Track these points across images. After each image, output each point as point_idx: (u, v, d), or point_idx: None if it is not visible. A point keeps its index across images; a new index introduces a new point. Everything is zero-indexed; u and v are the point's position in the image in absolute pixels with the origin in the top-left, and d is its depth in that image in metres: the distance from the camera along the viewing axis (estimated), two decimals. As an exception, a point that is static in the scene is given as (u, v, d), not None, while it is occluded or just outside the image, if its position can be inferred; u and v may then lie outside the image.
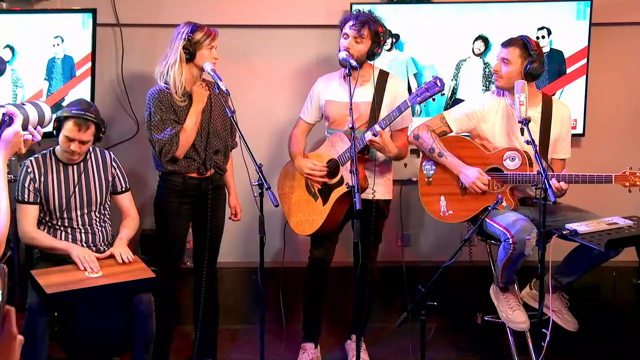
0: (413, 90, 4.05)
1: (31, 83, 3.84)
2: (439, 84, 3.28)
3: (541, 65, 3.49)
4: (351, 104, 3.25)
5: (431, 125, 3.63)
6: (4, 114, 1.73)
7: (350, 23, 3.47)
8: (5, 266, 1.36)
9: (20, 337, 1.31)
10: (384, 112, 3.51)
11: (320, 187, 3.63)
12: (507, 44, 3.52)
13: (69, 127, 3.24)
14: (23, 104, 1.85)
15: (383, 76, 3.60)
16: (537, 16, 4.08)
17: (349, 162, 3.47)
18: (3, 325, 1.30)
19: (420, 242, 4.45)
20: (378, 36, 3.48)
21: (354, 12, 3.59)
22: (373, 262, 3.73)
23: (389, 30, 3.94)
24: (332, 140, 3.62)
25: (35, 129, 1.87)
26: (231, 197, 3.72)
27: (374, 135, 3.36)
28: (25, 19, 3.84)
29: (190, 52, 3.37)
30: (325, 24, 4.15)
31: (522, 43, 3.48)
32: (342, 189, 3.51)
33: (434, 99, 3.35)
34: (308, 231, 3.68)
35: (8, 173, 3.71)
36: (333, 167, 3.59)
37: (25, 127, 1.81)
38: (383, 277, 3.97)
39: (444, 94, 3.31)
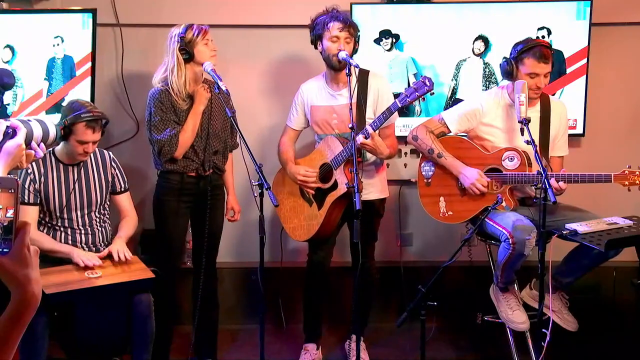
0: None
1: (31, 83, 3.84)
2: (427, 83, 3.24)
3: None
4: (351, 104, 3.25)
5: (429, 126, 3.62)
6: (7, 126, 1.74)
7: (339, 25, 3.43)
8: (18, 179, 1.34)
9: (34, 248, 1.29)
10: (368, 112, 3.49)
11: (314, 192, 3.61)
12: (544, 58, 3.39)
13: (81, 131, 3.21)
14: (29, 120, 1.86)
15: (363, 75, 3.55)
16: (537, 16, 4.08)
17: (342, 165, 3.46)
18: (16, 237, 1.29)
19: (419, 242, 4.45)
20: (357, 33, 3.51)
21: (332, 12, 3.50)
22: (371, 261, 3.73)
23: (389, 30, 4.06)
24: (323, 145, 3.60)
25: (38, 145, 1.87)
26: (230, 197, 3.71)
27: (366, 137, 3.33)
28: (25, 19, 3.84)
29: (187, 52, 3.37)
30: (325, 24, 4.15)
31: (547, 50, 3.42)
32: (337, 193, 3.49)
33: (423, 99, 3.33)
34: (304, 237, 3.65)
35: (8, 173, 3.76)
36: (325, 172, 3.57)
37: (28, 143, 1.81)
38: (383, 277, 3.96)
39: (433, 93, 3.26)
